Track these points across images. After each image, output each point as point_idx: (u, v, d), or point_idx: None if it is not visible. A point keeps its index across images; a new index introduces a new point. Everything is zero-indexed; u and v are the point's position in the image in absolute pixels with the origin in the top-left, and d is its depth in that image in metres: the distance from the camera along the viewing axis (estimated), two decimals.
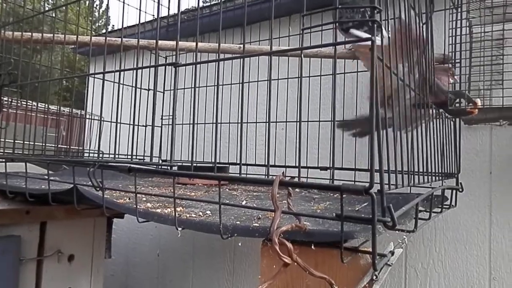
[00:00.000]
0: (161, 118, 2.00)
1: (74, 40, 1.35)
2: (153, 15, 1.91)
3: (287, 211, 0.62)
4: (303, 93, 1.63)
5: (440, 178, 1.29)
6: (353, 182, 1.40)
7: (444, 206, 1.22)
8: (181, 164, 1.85)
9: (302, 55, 0.68)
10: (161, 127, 1.99)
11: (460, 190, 1.33)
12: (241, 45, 1.40)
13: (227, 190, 1.47)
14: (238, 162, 1.84)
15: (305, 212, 0.83)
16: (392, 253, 0.61)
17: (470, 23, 1.39)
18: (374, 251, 0.53)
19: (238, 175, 0.71)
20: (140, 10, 1.32)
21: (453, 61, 1.33)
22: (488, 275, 1.40)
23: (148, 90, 1.50)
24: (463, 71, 1.30)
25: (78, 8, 1.47)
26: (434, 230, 1.51)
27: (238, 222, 0.78)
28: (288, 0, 1.70)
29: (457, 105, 1.14)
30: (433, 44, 1.06)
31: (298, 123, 0.68)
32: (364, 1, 1.33)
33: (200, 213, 0.87)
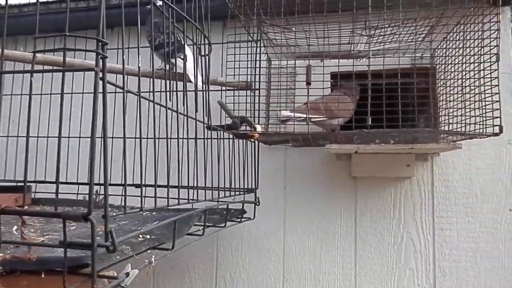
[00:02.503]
0: None
1: None
2: None
3: (7, 241, 0.58)
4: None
5: (242, 193, 1.42)
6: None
7: (236, 219, 1.35)
8: None
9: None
10: None
11: (258, 204, 1.49)
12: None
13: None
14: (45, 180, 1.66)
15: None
16: (127, 274, 0.63)
17: (268, 56, 1.60)
18: (93, 276, 0.54)
19: None
20: None
21: (253, 88, 1.49)
22: (282, 277, 1.60)
23: None
24: (262, 99, 1.48)
25: None
26: (241, 240, 1.65)
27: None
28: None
29: (243, 128, 1.28)
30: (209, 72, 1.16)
31: (58, 138, 0.65)
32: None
33: None
